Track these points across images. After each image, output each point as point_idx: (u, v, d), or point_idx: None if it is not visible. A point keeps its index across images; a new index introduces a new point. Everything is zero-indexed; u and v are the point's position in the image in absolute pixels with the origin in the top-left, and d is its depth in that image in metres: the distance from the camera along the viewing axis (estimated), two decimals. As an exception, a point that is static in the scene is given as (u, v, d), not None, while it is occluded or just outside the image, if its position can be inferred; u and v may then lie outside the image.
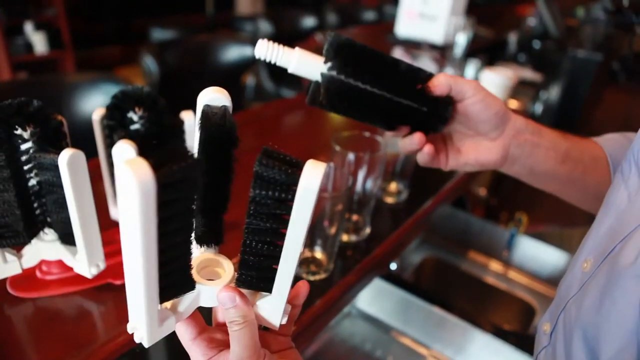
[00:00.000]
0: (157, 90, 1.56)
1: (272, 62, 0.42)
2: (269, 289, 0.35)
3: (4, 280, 0.55)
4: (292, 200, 0.30)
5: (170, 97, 0.58)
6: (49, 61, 3.40)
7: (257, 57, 0.42)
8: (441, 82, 0.47)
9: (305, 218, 0.31)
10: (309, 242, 0.65)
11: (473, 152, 0.51)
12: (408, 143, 0.49)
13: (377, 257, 0.71)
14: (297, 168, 0.30)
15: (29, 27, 3.20)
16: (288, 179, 0.30)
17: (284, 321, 0.37)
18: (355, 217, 0.75)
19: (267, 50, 0.42)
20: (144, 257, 0.28)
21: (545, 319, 0.50)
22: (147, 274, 0.29)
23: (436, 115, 0.48)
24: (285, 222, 0.32)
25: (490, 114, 0.48)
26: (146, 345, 0.34)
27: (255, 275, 0.35)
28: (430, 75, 0.47)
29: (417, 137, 0.48)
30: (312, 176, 0.30)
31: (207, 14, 4.08)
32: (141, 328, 0.33)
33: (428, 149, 0.49)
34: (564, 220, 1.41)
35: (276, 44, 0.42)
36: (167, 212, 0.27)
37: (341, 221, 0.63)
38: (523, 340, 0.77)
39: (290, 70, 0.43)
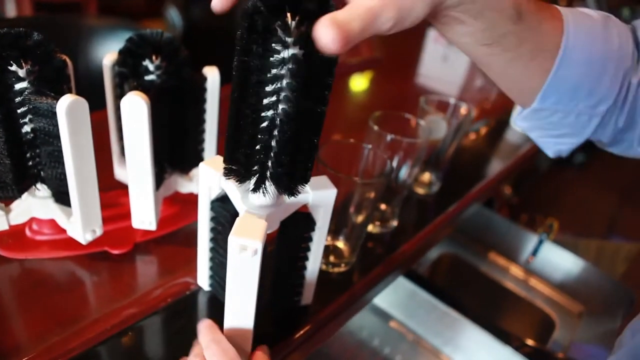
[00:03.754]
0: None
1: None
2: None
3: (-10, 235, 0.49)
4: None
5: (193, 53, 0.52)
6: (71, 4, 3.30)
7: None
8: None
9: None
10: (333, 229, 0.58)
11: None
12: None
13: (406, 254, 0.63)
14: None
15: (54, -33, 3.11)
16: None
17: None
18: (383, 206, 0.68)
19: None
20: None
21: None
22: None
23: None
24: None
25: None
26: None
27: None
28: None
29: None
30: None
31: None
32: None
33: None
34: (580, 230, 1.33)
35: None
36: None
37: (371, 211, 0.56)
38: (538, 354, 0.70)
39: None
